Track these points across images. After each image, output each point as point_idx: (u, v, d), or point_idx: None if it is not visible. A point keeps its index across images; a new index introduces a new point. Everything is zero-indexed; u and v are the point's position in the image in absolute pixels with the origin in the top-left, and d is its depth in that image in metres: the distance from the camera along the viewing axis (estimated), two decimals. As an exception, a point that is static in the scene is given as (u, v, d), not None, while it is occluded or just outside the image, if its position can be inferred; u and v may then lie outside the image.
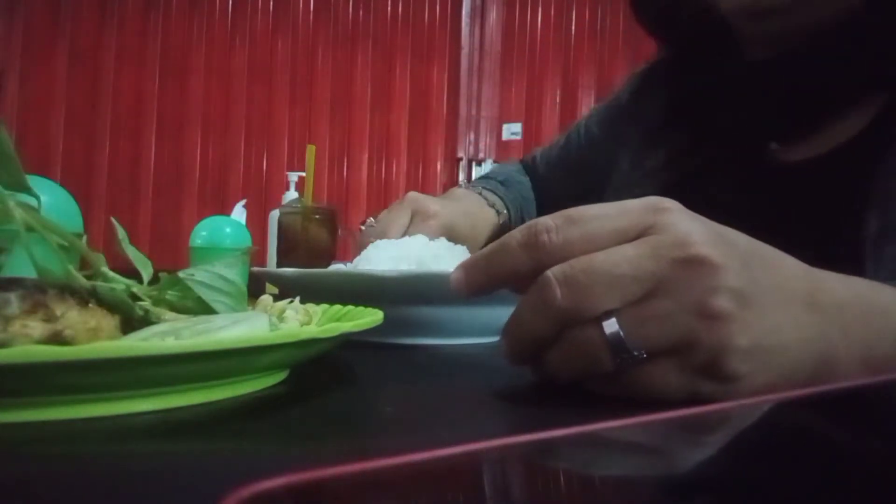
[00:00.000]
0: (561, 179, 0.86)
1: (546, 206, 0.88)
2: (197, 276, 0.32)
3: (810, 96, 0.53)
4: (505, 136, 3.18)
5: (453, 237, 0.62)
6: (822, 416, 0.26)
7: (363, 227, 0.72)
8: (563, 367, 0.29)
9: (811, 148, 0.54)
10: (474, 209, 0.78)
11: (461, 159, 3.54)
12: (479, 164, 3.47)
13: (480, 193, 0.82)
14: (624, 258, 0.27)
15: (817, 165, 0.52)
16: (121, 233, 0.35)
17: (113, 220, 0.36)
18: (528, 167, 0.93)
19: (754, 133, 0.57)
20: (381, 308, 0.36)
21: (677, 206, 0.29)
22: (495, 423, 0.28)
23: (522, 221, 0.69)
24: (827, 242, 0.40)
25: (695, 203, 0.30)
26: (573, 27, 3.01)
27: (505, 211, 0.83)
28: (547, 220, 0.29)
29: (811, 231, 0.44)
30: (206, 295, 0.32)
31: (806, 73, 0.52)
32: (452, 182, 3.25)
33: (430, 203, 0.69)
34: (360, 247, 0.57)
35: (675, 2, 0.60)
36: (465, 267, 0.31)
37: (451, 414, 0.28)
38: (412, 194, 0.70)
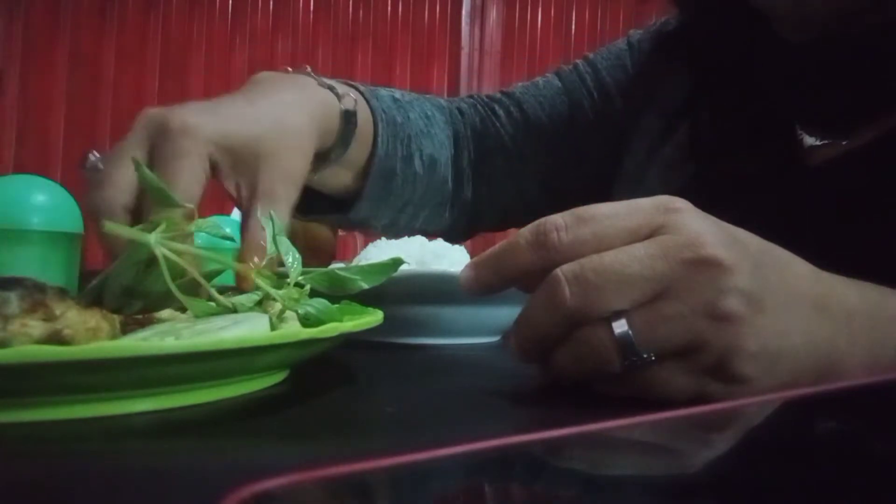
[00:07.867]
0: (542, 143, 0.63)
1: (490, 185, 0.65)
2: None
3: (862, 87, 0.44)
4: (505, 135, 3.17)
5: (243, 155, 0.40)
6: (829, 414, 0.26)
7: (86, 166, 0.44)
8: (570, 367, 0.29)
9: (829, 148, 0.46)
10: (287, 95, 0.46)
11: (461, 159, 3.54)
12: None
13: (311, 76, 0.52)
14: (634, 258, 0.27)
15: (841, 166, 0.45)
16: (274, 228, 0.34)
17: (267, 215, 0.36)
18: (483, 117, 0.65)
19: (789, 126, 0.48)
20: (381, 308, 0.36)
21: (688, 205, 0.29)
22: (495, 423, 0.28)
23: (405, 158, 0.55)
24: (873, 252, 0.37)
25: (722, 209, 0.29)
26: (573, 27, 3.01)
27: (362, 102, 0.53)
28: (556, 219, 0.29)
29: (854, 241, 0.41)
30: None
31: (857, 61, 0.43)
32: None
33: (185, 115, 0.40)
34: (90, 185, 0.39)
35: None
36: (475, 265, 0.31)
37: (451, 414, 0.28)
38: (152, 111, 0.40)
